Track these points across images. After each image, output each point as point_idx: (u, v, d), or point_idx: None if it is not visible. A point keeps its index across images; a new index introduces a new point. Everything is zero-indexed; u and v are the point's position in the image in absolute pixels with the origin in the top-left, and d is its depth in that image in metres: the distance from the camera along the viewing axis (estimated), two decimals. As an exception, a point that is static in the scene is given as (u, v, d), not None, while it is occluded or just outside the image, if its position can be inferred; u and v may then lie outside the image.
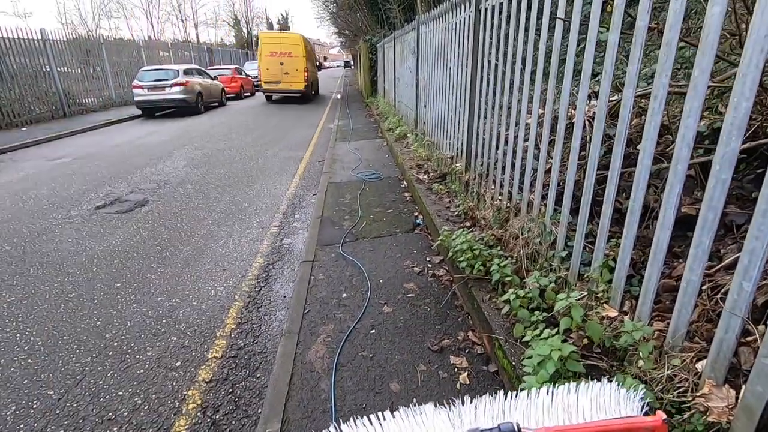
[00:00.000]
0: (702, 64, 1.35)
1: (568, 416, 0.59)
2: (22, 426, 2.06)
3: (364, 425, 0.59)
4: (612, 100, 2.45)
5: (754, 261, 1.20)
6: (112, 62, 15.92)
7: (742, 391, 1.23)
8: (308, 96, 17.57)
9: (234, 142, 9.05)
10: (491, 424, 0.56)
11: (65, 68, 13.42)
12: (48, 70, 12.59)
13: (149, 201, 5.33)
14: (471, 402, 0.61)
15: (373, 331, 2.62)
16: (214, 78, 16.28)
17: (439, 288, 3.06)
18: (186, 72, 13.66)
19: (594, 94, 2.63)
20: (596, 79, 2.61)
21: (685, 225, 1.89)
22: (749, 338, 1.33)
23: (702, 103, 1.38)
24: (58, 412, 2.14)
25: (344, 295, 3.04)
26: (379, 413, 0.61)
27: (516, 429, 0.52)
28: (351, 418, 0.60)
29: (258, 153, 8.06)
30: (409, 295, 2.98)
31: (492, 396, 0.62)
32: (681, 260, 2.02)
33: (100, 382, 2.34)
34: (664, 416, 0.54)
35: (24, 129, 10.94)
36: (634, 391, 0.60)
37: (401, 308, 2.83)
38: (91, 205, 5.19)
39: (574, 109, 2.34)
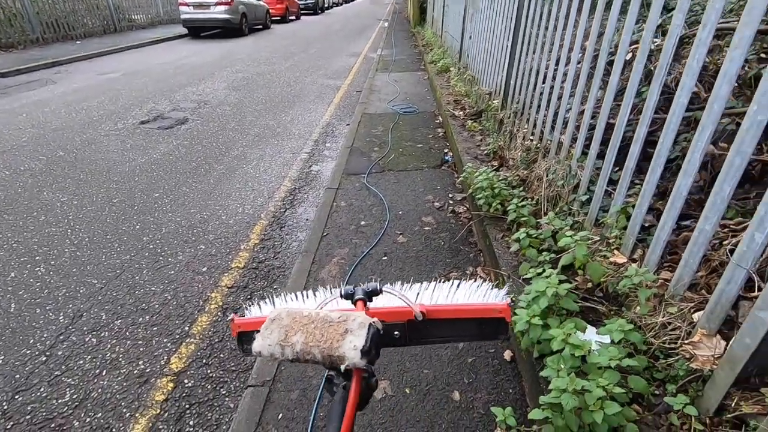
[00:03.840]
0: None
1: (445, 300, 0.72)
2: (71, 306, 2.36)
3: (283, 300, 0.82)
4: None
5: (772, 212, 1.12)
6: (160, -23, 15.70)
7: (731, 342, 1.20)
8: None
9: (275, 67, 8.96)
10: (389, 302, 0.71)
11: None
12: (99, -18, 12.64)
13: (189, 119, 5.50)
14: (381, 282, 0.73)
15: (385, 258, 2.71)
16: (260, -2, 15.79)
17: (457, 224, 3.07)
18: (231, -10, 13.28)
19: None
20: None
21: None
22: (753, 294, 1.27)
23: (754, 33, 1.21)
24: (100, 298, 2.43)
25: (363, 222, 3.12)
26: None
27: (378, 289, 0.68)
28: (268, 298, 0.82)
29: (297, 79, 7.97)
30: (426, 228, 3.02)
31: (392, 284, 0.74)
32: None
33: (137, 278, 2.60)
34: (509, 302, 0.68)
35: (78, 42, 11.29)
36: (500, 290, 0.71)
37: (416, 240, 2.89)
38: (135, 119, 5.43)
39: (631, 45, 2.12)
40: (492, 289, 0.72)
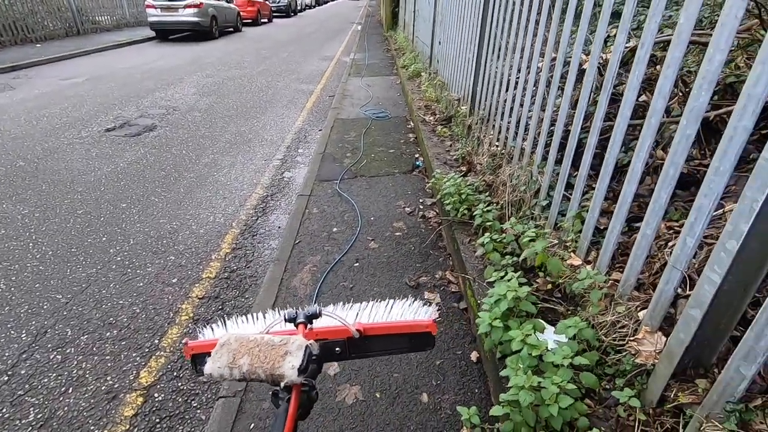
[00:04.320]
0: (689, 10, 1.28)
1: (382, 318, 0.80)
2: (33, 322, 2.31)
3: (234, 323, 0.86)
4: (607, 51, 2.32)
5: (700, 218, 1.22)
6: (125, -22, 15.28)
7: (669, 337, 1.31)
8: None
9: (246, 71, 8.88)
10: (331, 321, 0.77)
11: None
12: (59, -17, 12.21)
13: (157, 126, 5.40)
14: (320, 305, 0.80)
15: (357, 264, 2.75)
16: (230, 1, 15.57)
17: (427, 229, 3.15)
18: (200, -8, 13.06)
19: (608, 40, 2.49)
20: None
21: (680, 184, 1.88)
22: (688, 292, 1.38)
23: (683, 53, 1.33)
24: (65, 313, 2.38)
25: (335, 229, 3.15)
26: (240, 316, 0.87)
27: (317, 312, 0.75)
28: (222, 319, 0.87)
29: (269, 84, 7.92)
30: (397, 234, 3.08)
31: (335, 305, 0.82)
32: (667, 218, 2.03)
33: (104, 291, 2.56)
34: (435, 317, 0.77)
35: (38, 45, 10.87)
36: (429, 307, 0.80)
37: (387, 245, 2.95)
38: (101, 127, 5.30)
39: (587, 55, 2.24)
40: (422, 306, 0.81)
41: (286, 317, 0.77)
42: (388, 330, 0.77)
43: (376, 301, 0.83)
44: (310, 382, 0.64)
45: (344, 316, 0.80)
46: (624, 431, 1.34)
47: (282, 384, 0.62)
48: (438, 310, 0.82)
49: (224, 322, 0.89)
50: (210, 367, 0.64)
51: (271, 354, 0.63)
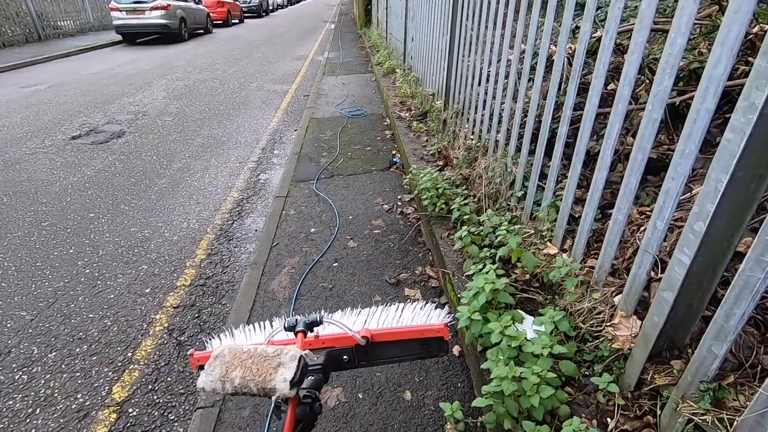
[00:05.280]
0: (650, -5, 1.29)
1: (392, 323, 0.77)
2: (-4, 342, 2.19)
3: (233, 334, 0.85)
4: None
5: (669, 201, 1.24)
6: (87, -20, 14.76)
7: (644, 321, 1.32)
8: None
9: (217, 73, 8.69)
10: (337, 329, 0.75)
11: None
12: (16, -13, 11.70)
13: (126, 132, 5.23)
14: (328, 313, 0.77)
15: (336, 264, 2.72)
16: (199, 2, 15.22)
17: (405, 225, 3.13)
18: (167, -6, 12.72)
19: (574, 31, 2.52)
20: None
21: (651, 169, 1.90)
22: (660, 275, 1.40)
23: (646, 38, 1.34)
24: (30, 331, 2.27)
25: (313, 230, 3.11)
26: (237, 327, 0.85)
27: (318, 320, 0.72)
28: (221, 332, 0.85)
29: (242, 85, 7.77)
30: (375, 231, 3.05)
31: (342, 311, 0.74)
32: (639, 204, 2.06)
33: (72, 305, 2.45)
34: (447, 321, 0.74)
35: (-4, 53, 10.40)
36: (442, 310, 0.77)
37: (366, 243, 2.92)
38: (65, 135, 5.10)
39: (555, 46, 2.25)
40: (435, 309, 0.78)
41: (286, 326, 0.74)
42: (397, 336, 0.75)
43: (386, 305, 0.81)
44: (312, 393, 0.61)
45: (352, 322, 0.77)
46: (604, 416, 1.34)
47: (273, 398, 0.59)
48: (449, 313, 0.78)
49: (231, 331, 0.86)
50: (202, 380, 0.61)
51: (264, 366, 0.60)
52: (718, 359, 1.08)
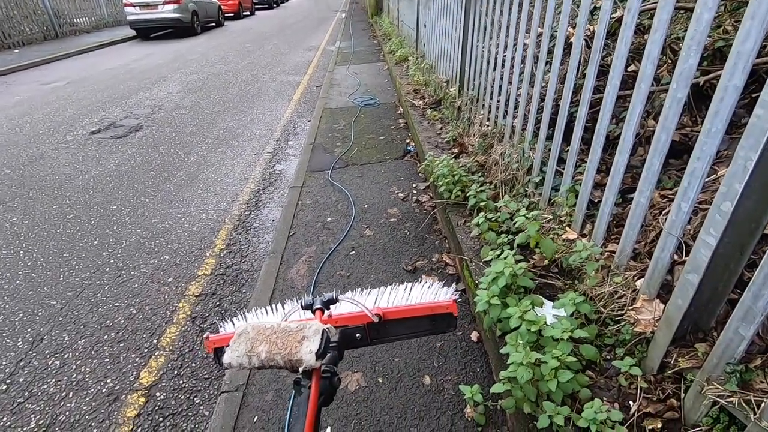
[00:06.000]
0: (674, -29, 1.25)
1: (401, 301, 0.80)
2: (29, 330, 2.28)
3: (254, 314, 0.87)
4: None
5: (693, 182, 1.21)
6: (101, -23, 14.92)
7: (667, 304, 1.30)
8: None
9: (230, 66, 8.74)
10: (350, 308, 0.78)
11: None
12: (33, -15, 11.90)
13: (143, 126, 5.32)
14: (338, 292, 0.80)
15: (353, 252, 2.74)
16: (210, -5, 15.26)
17: (421, 213, 3.13)
18: (179, -12, 12.78)
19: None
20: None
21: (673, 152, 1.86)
22: (684, 258, 1.38)
23: (670, 15, 1.30)
24: (60, 319, 2.36)
25: (329, 219, 3.13)
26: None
27: (334, 298, 0.76)
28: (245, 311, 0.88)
29: (255, 77, 7.81)
30: (391, 220, 3.06)
31: (353, 291, 0.83)
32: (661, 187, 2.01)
33: (99, 295, 2.53)
34: (456, 298, 0.77)
35: (17, 51, 10.65)
36: (449, 288, 0.79)
37: (382, 232, 2.93)
38: (86, 130, 5.21)
39: (573, 28, 2.21)
40: (442, 287, 0.80)
41: (303, 304, 0.78)
42: (407, 313, 0.77)
43: (395, 284, 0.83)
44: (330, 368, 0.65)
45: (363, 302, 0.80)
46: (626, 399, 1.34)
47: (300, 369, 0.61)
48: (456, 290, 0.80)
49: (244, 315, 0.89)
50: (229, 356, 0.63)
51: (288, 340, 0.62)
52: (745, 341, 1.07)
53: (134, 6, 12.18)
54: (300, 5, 25.74)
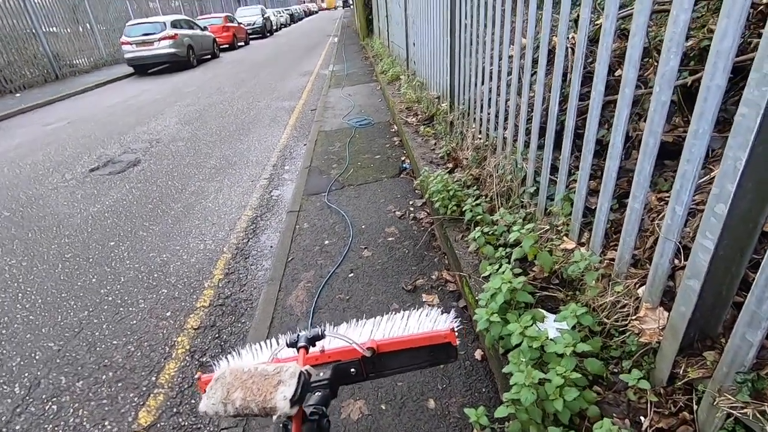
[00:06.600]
0: (647, -25, 1.24)
1: (398, 332, 0.75)
2: (26, 374, 2.24)
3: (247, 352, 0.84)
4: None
5: (686, 185, 1.18)
6: (99, 18, 15.34)
7: (671, 312, 1.26)
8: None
9: (226, 95, 8.88)
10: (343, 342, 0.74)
11: (53, 28, 13.03)
12: (34, 31, 12.24)
13: (141, 160, 5.37)
14: (332, 326, 0.76)
15: (352, 274, 2.70)
16: (204, 28, 15.64)
17: (419, 230, 3.10)
18: (174, 24, 13.11)
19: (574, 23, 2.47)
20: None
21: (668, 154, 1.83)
22: (684, 263, 1.33)
23: (647, 18, 1.29)
24: (58, 361, 2.32)
25: (326, 242, 3.10)
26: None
27: (320, 333, 0.71)
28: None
29: (250, 105, 7.91)
30: (389, 239, 3.03)
31: (348, 323, 0.78)
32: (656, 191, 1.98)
33: (97, 333, 2.50)
34: (454, 326, 0.72)
35: (18, 95, 10.88)
36: (449, 315, 0.74)
37: (380, 252, 2.89)
38: (85, 168, 5.26)
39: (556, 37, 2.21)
40: (441, 314, 0.76)
41: (288, 342, 0.73)
42: (403, 344, 0.73)
43: (392, 313, 0.80)
44: (319, 410, 0.61)
45: (358, 334, 0.76)
46: (637, 414, 1.28)
47: (274, 418, 0.57)
48: (456, 317, 0.76)
49: (239, 352, 0.86)
50: (204, 404, 0.60)
51: (264, 385, 0.59)
52: (753, 347, 1.02)
53: (131, 44, 12.49)
54: (293, 33, 26.30)
